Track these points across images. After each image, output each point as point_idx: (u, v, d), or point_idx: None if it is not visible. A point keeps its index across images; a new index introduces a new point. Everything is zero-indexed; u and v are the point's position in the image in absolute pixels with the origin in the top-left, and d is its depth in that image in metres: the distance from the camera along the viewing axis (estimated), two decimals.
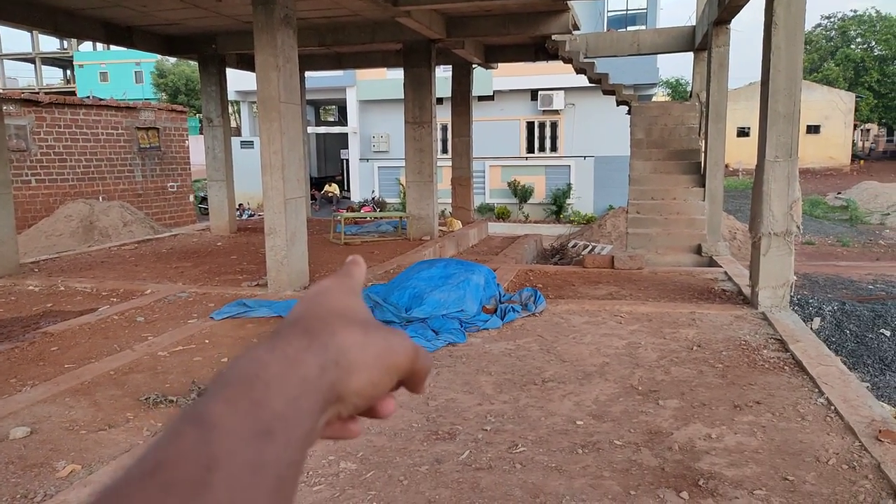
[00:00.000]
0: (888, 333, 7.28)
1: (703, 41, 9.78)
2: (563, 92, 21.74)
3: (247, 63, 12.00)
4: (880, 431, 3.49)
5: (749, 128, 34.80)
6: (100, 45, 42.07)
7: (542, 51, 11.58)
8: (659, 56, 18.47)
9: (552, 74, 20.52)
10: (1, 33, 49.61)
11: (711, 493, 3.03)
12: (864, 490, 3.01)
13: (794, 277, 6.22)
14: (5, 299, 7.05)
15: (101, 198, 14.70)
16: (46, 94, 15.51)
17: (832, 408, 3.88)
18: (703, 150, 10.04)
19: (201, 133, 13.41)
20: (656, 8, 21.72)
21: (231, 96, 21.41)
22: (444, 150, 19.42)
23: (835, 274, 9.68)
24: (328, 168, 30.60)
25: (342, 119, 31.33)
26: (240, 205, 19.77)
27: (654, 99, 22.55)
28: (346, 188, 27.16)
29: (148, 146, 16.35)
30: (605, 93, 11.99)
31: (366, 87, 23.80)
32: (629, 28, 20.95)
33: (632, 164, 10.57)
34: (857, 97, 37.89)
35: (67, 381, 4.54)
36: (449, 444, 3.56)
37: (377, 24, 9.94)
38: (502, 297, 6.38)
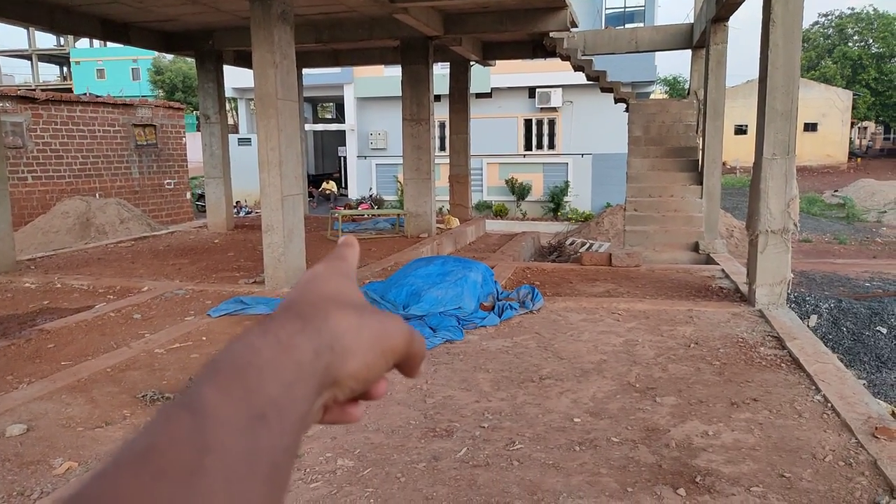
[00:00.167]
0: (885, 331, 7.29)
1: (701, 38, 9.78)
2: (560, 89, 21.73)
3: (244, 60, 11.97)
4: (877, 428, 3.49)
5: (747, 125, 34.83)
6: (96, 42, 41.93)
7: (539, 48, 11.57)
8: (657, 53, 18.46)
9: (550, 72, 20.51)
10: None
11: (708, 489, 3.03)
12: (861, 487, 3.02)
13: (791, 275, 6.22)
14: (1, 296, 7.04)
15: (97, 195, 14.66)
16: (43, 90, 15.47)
17: (829, 405, 3.89)
18: (700, 147, 10.04)
19: (198, 130, 13.38)
20: (654, 5, 21.70)
21: (228, 93, 21.34)
22: (442, 148, 19.41)
23: (832, 271, 9.69)
24: (326, 165, 30.56)
25: (340, 116, 31.30)
26: (237, 202, 19.73)
27: (651, 96, 22.54)
28: (343, 185, 27.13)
29: (145, 143, 16.31)
30: (603, 90, 11.98)
31: (363, 84, 23.76)
32: (627, 25, 20.92)
33: (629, 161, 10.57)
34: (854, 95, 37.96)
35: (64, 378, 4.53)
36: (446, 442, 3.56)
37: (374, 20, 9.92)
38: (500, 294, 6.38)
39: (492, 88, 22.38)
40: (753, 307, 6.01)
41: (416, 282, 6.11)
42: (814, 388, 4.16)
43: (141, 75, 41.61)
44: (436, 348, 5.10)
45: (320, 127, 28.87)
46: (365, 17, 9.71)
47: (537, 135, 23.22)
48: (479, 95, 21.36)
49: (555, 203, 22.32)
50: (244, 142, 24.23)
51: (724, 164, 13.68)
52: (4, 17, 8.43)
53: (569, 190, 22.41)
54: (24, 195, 13.48)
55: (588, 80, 11.95)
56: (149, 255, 9.51)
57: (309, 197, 17.46)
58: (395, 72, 13.69)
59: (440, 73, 13.43)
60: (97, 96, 15.90)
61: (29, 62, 48.08)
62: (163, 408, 0.31)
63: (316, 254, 8.57)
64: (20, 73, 51.30)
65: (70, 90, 36.60)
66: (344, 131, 25.68)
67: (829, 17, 44.75)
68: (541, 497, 3.01)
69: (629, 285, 7.10)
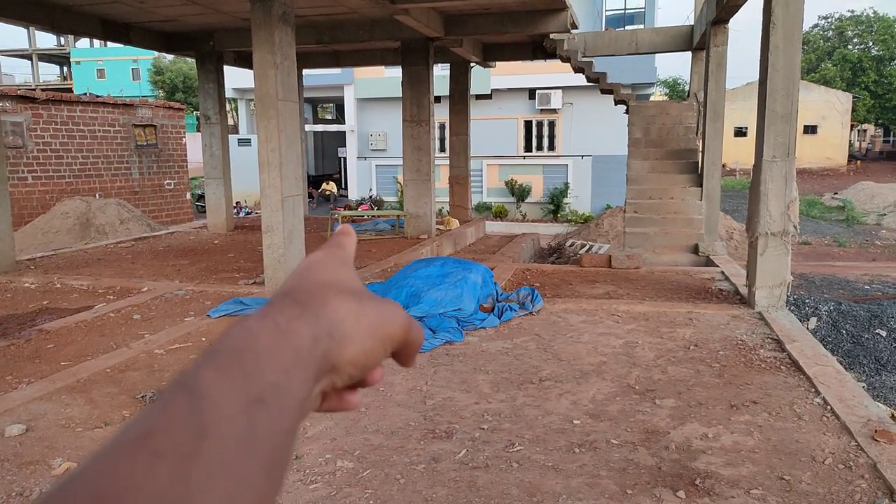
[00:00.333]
0: (884, 334, 7.29)
1: (702, 40, 9.79)
2: (560, 91, 21.73)
3: (244, 60, 11.98)
4: (876, 431, 3.49)
5: (746, 128, 34.84)
6: (97, 42, 41.96)
7: (540, 49, 11.57)
8: (657, 55, 18.48)
9: (550, 73, 20.51)
10: None
11: (708, 492, 3.03)
12: (861, 490, 3.02)
13: (791, 277, 6.22)
14: (1, 296, 7.03)
15: (97, 195, 14.66)
16: (43, 90, 15.47)
17: (828, 408, 3.89)
18: (700, 149, 10.04)
19: (198, 130, 13.37)
20: (654, 7, 21.71)
21: (228, 94, 21.33)
22: (442, 149, 19.41)
23: (831, 274, 9.69)
24: (326, 166, 30.56)
25: (340, 117, 31.31)
26: (237, 203, 19.72)
27: (651, 98, 22.55)
28: (343, 186, 27.13)
29: (145, 143, 16.30)
30: (603, 92, 11.99)
31: (364, 85, 23.76)
32: (627, 27, 20.94)
33: (629, 163, 10.57)
34: (854, 97, 37.97)
35: (63, 378, 4.53)
36: (446, 443, 3.56)
37: (375, 21, 9.93)
38: (500, 295, 6.38)
39: (492, 90, 22.38)
40: (753, 309, 6.01)
41: (415, 283, 6.11)
42: (813, 390, 4.16)
43: (141, 75, 41.62)
44: (435, 350, 5.09)
45: (320, 128, 28.87)
46: (366, 18, 9.72)
47: (537, 136, 23.22)
48: (479, 97, 21.36)
49: (554, 205, 22.33)
50: (244, 142, 24.23)
51: (723, 166, 13.69)
52: (4, 16, 8.43)
53: (568, 191, 22.41)
54: (24, 195, 13.47)
55: (588, 81, 11.96)
56: (149, 255, 9.51)
57: (309, 198, 17.47)
58: (396, 73, 13.71)
59: (440, 74, 13.43)
60: (97, 96, 15.90)
61: (29, 62, 48.07)
62: (161, 392, 0.31)
63: None
64: (20, 73, 51.31)
65: (70, 90, 36.60)
66: (344, 132, 25.68)
67: (829, 20, 44.79)
68: (540, 499, 3.01)
69: (629, 287, 7.10)
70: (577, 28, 10.40)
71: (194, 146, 19.65)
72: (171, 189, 17.18)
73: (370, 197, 23.64)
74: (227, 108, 14.74)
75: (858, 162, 39.11)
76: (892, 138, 48.45)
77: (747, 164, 20.41)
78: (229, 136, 12.54)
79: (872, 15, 42.50)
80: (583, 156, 22.20)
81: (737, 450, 3.42)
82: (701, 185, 9.70)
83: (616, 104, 11.98)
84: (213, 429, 0.30)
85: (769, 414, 3.85)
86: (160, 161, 16.78)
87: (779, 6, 5.66)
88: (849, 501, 2.93)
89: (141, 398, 4.17)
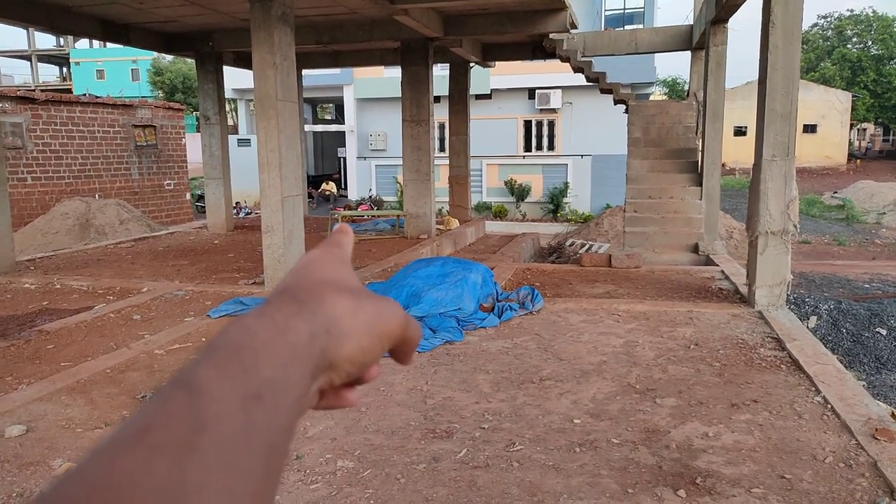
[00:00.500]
0: (884, 332, 7.30)
1: (701, 40, 9.79)
2: (560, 91, 21.74)
3: (244, 61, 11.97)
4: (877, 430, 3.50)
5: (746, 127, 34.84)
6: (96, 43, 41.94)
7: (539, 49, 11.57)
8: (656, 55, 18.48)
9: (550, 73, 20.51)
10: None
11: (709, 491, 3.03)
12: (861, 488, 3.02)
13: (791, 276, 6.23)
14: (1, 297, 7.03)
15: (97, 196, 14.66)
16: (42, 91, 15.47)
17: (829, 406, 3.89)
18: (700, 148, 10.04)
19: (198, 131, 13.38)
20: (654, 7, 21.72)
21: (228, 94, 21.30)
22: (442, 149, 19.41)
23: (831, 273, 9.70)
24: (325, 166, 30.56)
25: (339, 117, 31.30)
26: (237, 203, 19.72)
27: (651, 98, 22.55)
28: (343, 186, 27.13)
29: (144, 144, 16.30)
30: (603, 91, 11.99)
31: (363, 85, 23.76)
32: (627, 27, 20.95)
33: (629, 162, 10.57)
34: (853, 96, 37.98)
35: (63, 379, 4.53)
36: (446, 443, 3.56)
37: (375, 22, 9.93)
38: (500, 295, 6.38)
39: (491, 90, 22.39)
40: (753, 308, 6.01)
41: (416, 283, 6.11)
42: (814, 389, 4.16)
43: (141, 76, 41.61)
44: (436, 349, 5.09)
45: (320, 128, 28.87)
46: (365, 18, 9.71)
47: (537, 136, 23.23)
48: (478, 97, 21.36)
49: (554, 204, 22.33)
50: (244, 143, 24.23)
51: (723, 165, 13.69)
52: (4, 17, 8.42)
53: (568, 191, 22.42)
54: (24, 196, 13.47)
55: (588, 81, 11.96)
56: (148, 255, 9.51)
57: (308, 198, 17.47)
58: (395, 73, 13.71)
59: (440, 74, 13.43)
60: (97, 97, 15.89)
61: (28, 62, 48.07)
62: (159, 388, 0.32)
63: None
64: (20, 74, 51.31)
65: (70, 91, 36.58)
66: (344, 132, 25.68)
67: (829, 19, 44.81)
68: (541, 498, 3.01)
69: (629, 286, 7.10)
70: (576, 28, 10.40)
71: (194, 146, 19.64)
72: (171, 189, 17.18)
73: (370, 197, 23.64)
74: (227, 108, 14.72)
75: (858, 161, 39.13)
76: (891, 137, 48.45)
77: (747, 164, 20.40)
78: (229, 136, 12.54)
79: (871, 14, 42.52)
80: (582, 155, 22.21)
81: (737, 449, 3.42)
82: (701, 185, 9.70)
83: (615, 104, 11.98)
84: (211, 424, 0.30)
85: (770, 413, 3.85)
86: (160, 161, 16.77)
87: (778, 6, 5.66)
88: (849, 500, 2.93)
89: (141, 398, 4.17)
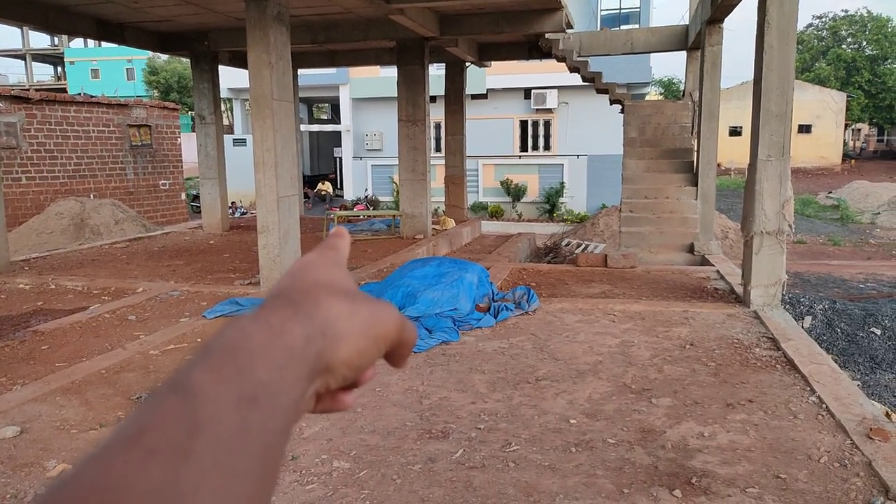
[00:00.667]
0: (879, 332, 7.32)
1: (696, 40, 9.81)
2: (556, 90, 21.75)
3: (239, 60, 11.94)
4: (871, 429, 3.51)
5: (741, 127, 34.92)
6: (91, 42, 41.83)
7: (535, 49, 11.58)
8: (652, 55, 18.51)
9: (545, 73, 20.53)
10: None
11: (704, 491, 3.04)
12: (856, 488, 3.03)
13: (786, 276, 6.24)
14: None
15: (92, 195, 14.60)
16: (37, 90, 15.40)
17: (824, 406, 3.90)
18: (695, 148, 10.06)
19: (193, 131, 13.33)
20: (649, 7, 21.76)
21: (223, 94, 21.32)
22: (438, 149, 19.40)
23: (826, 273, 9.74)
24: (321, 166, 30.53)
25: (335, 117, 31.28)
26: (232, 203, 19.69)
27: (647, 98, 22.60)
28: (339, 186, 27.09)
29: (140, 144, 16.25)
30: (599, 91, 11.99)
31: (359, 84, 23.74)
32: (622, 27, 20.97)
33: (625, 162, 10.59)
34: (848, 97, 38.13)
35: (58, 379, 4.51)
36: (442, 443, 3.56)
37: (370, 21, 9.92)
38: (495, 295, 6.38)
39: (487, 89, 22.39)
40: (748, 308, 6.03)
41: (412, 283, 6.10)
42: (808, 389, 4.17)
43: (136, 75, 41.50)
44: (432, 350, 5.09)
45: (316, 128, 28.83)
46: (361, 18, 9.70)
47: (533, 136, 23.24)
48: (474, 96, 21.35)
49: (550, 204, 22.34)
50: (239, 142, 24.18)
51: (718, 165, 13.72)
52: (2, 17, 8.39)
53: (564, 191, 22.43)
54: (18, 196, 13.41)
55: (583, 81, 11.96)
56: (143, 256, 9.48)
57: (304, 198, 17.44)
58: (391, 72, 13.69)
59: (436, 73, 13.40)
60: (92, 96, 15.84)
61: (23, 62, 47.86)
62: (154, 390, 0.31)
63: None
64: (14, 73, 51.07)
65: (64, 90, 36.47)
66: (339, 132, 25.65)
67: (824, 20, 44.96)
68: (537, 499, 3.01)
69: (625, 286, 7.11)
70: (572, 28, 10.41)
71: (189, 146, 19.64)
72: (166, 189, 17.13)
73: (366, 197, 23.61)
74: (222, 108, 14.71)
75: (853, 161, 39.28)
76: (886, 137, 48.64)
77: (742, 164, 20.43)
78: (224, 136, 12.51)
79: (866, 15, 42.68)
80: (578, 155, 22.23)
81: (733, 448, 3.43)
82: (696, 185, 9.72)
83: (611, 104, 11.99)
84: (207, 426, 0.30)
85: (765, 413, 3.86)
86: (155, 161, 16.72)
87: (773, 6, 5.68)
88: (844, 499, 2.94)
89: (136, 399, 4.15)
